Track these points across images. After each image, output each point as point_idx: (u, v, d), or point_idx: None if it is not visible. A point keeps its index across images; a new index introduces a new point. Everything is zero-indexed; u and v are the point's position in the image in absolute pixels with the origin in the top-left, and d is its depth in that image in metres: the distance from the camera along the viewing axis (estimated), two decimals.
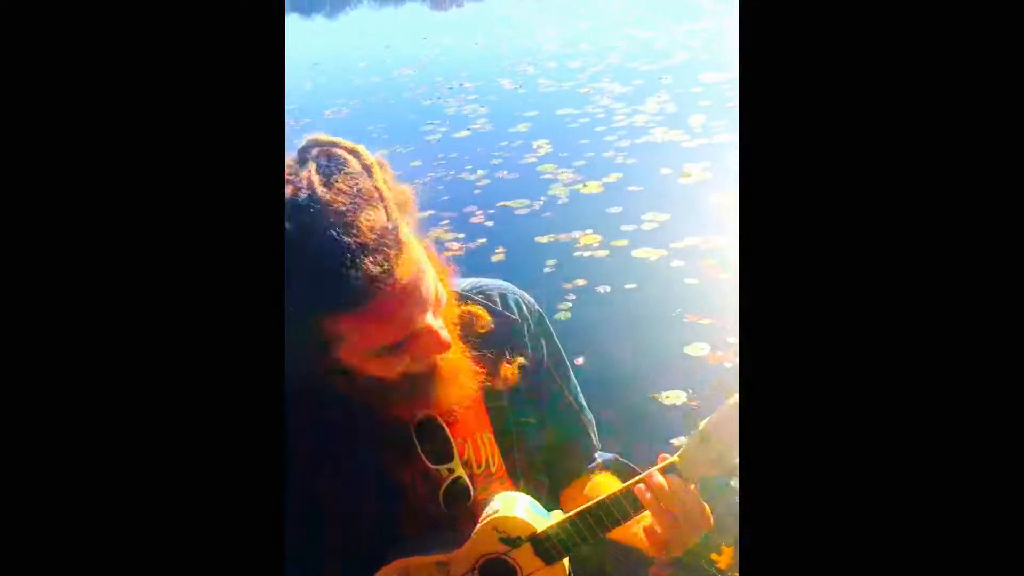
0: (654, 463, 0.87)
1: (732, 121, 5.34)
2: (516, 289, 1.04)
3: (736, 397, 0.81)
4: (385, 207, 0.74)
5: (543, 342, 1.03)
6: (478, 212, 4.67)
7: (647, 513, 0.87)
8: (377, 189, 0.75)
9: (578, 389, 1.09)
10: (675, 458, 0.86)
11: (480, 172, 5.34)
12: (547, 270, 3.86)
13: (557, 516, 0.92)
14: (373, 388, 0.83)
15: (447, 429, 0.93)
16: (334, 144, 0.77)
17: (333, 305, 0.73)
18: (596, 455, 1.09)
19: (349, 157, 0.76)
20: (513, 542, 0.90)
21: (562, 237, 4.18)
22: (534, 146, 5.72)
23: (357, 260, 0.70)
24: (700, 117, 5.71)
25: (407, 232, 0.77)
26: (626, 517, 0.87)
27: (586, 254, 4.00)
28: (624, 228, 4.17)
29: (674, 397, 2.81)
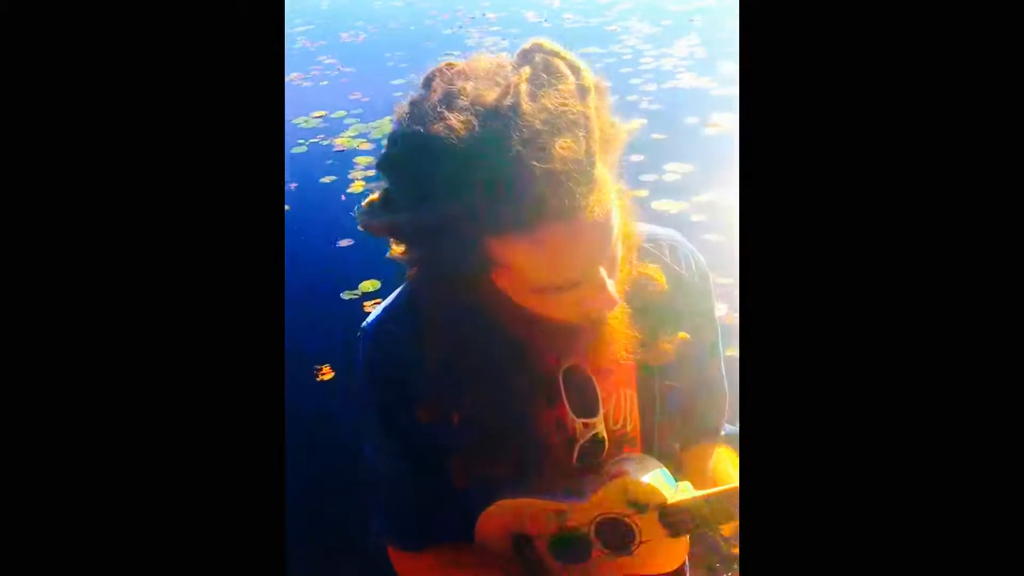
0: None
1: None
2: (687, 242, 0.97)
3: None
4: (587, 138, 0.66)
5: (702, 304, 0.96)
6: None
7: None
8: (586, 116, 0.67)
9: (723, 360, 1.03)
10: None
11: None
12: None
13: (687, 490, 0.88)
14: (529, 322, 0.77)
15: (596, 384, 0.88)
16: (556, 54, 0.70)
17: (505, 224, 0.66)
18: (723, 425, 1.06)
19: (567, 73, 0.68)
20: (641, 508, 0.87)
21: (631, 193, 4.06)
22: None
23: (538, 186, 0.64)
24: (731, 64, 5.48)
25: (604, 172, 0.69)
26: (708, 526, 0.84)
27: None
28: (644, 178, 4.04)
29: None
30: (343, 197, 4.21)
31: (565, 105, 0.66)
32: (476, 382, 0.83)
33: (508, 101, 0.65)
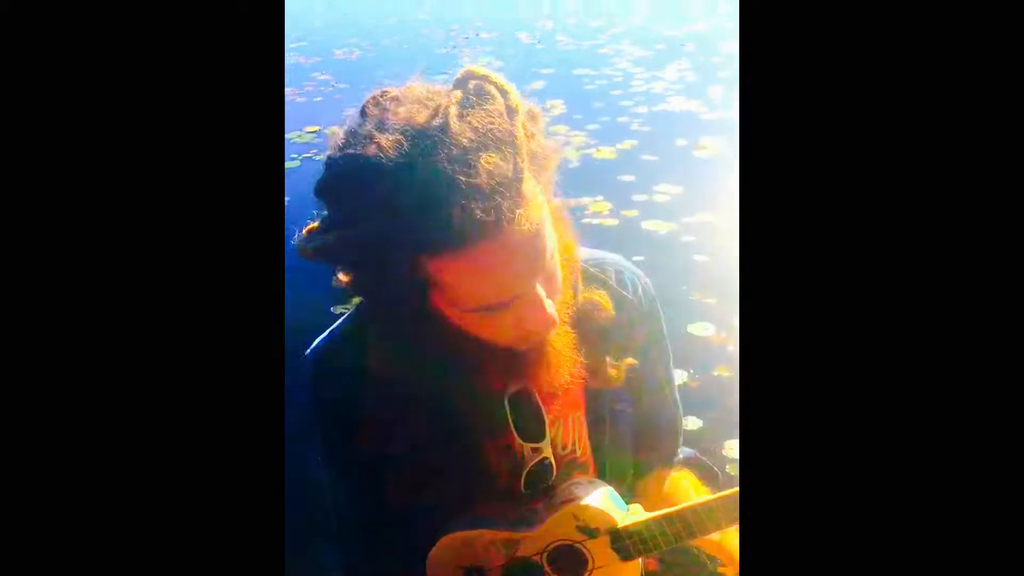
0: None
1: None
2: (633, 267, 0.98)
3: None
4: (514, 154, 0.67)
5: (651, 328, 0.96)
6: None
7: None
8: (512, 135, 0.68)
9: (675, 384, 1.04)
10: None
11: None
12: None
13: (637, 512, 0.88)
14: (475, 350, 0.77)
15: (543, 407, 0.88)
16: (487, 79, 0.72)
17: (433, 241, 0.67)
18: (679, 451, 1.06)
19: (496, 94, 0.70)
20: (591, 533, 0.86)
21: (571, 202, 4.06)
22: (548, 105, 5.57)
23: (464, 200, 0.65)
24: (720, 89, 5.55)
25: (534, 188, 0.70)
26: (719, 527, 0.83)
27: (595, 221, 3.89)
28: (636, 198, 4.07)
29: (675, 376, 2.74)
30: None
31: (492, 124, 0.67)
32: (418, 411, 0.81)
33: (437, 121, 0.67)
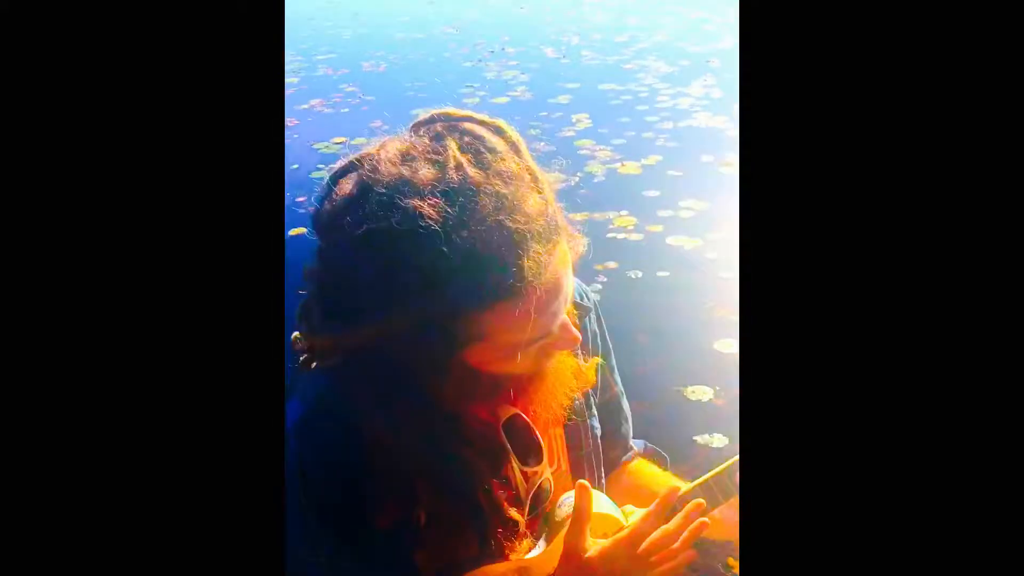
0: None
1: None
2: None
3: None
4: (544, 190, 0.69)
5: (599, 332, 1.00)
6: None
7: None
8: (530, 170, 0.69)
9: (618, 376, 1.06)
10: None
11: None
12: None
13: (634, 512, 0.88)
14: (463, 387, 0.75)
15: (535, 428, 0.87)
16: (470, 119, 0.71)
17: (492, 297, 0.66)
18: (632, 443, 1.08)
19: (490, 135, 0.70)
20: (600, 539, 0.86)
21: (596, 216, 4.08)
22: (573, 119, 5.59)
23: (527, 247, 0.65)
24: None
25: (563, 218, 0.72)
26: (716, 504, 0.84)
27: (620, 236, 3.89)
28: (661, 213, 4.06)
29: (700, 393, 2.72)
30: None
31: (506, 165, 0.67)
32: (430, 473, 0.78)
33: (454, 177, 0.65)
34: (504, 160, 0.68)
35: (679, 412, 2.64)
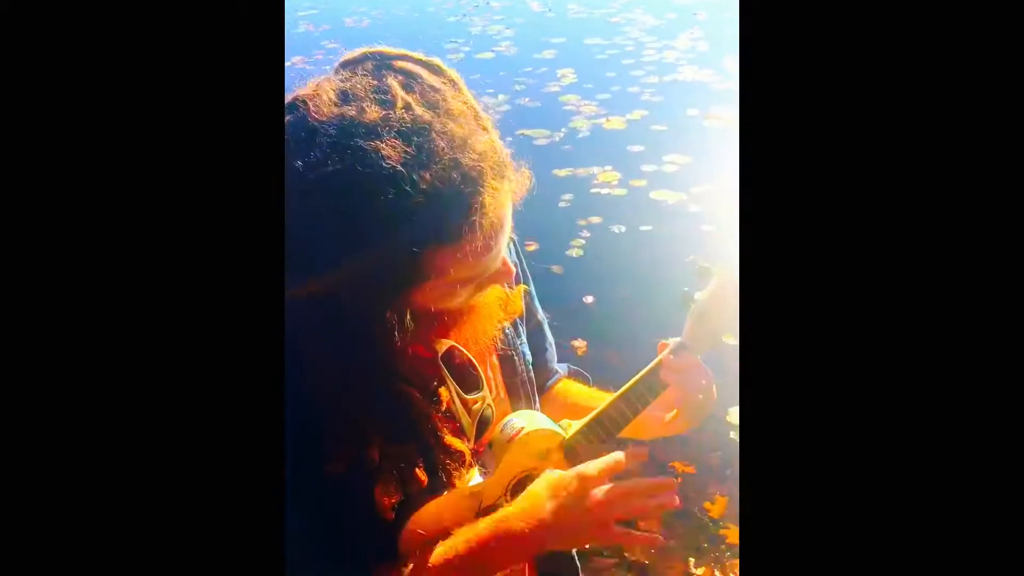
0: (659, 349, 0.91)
1: None
2: None
3: (723, 275, 0.88)
4: (484, 125, 0.70)
5: (518, 262, 1.00)
6: None
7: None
8: (474, 108, 0.70)
9: (537, 302, 1.08)
10: (681, 339, 0.90)
11: (501, 97, 5.19)
12: (562, 205, 3.79)
13: (570, 425, 0.92)
14: (396, 326, 0.75)
15: (472, 357, 0.89)
16: (405, 57, 0.70)
17: (453, 235, 0.67)
18: (556, 367, 1.11)
19: (428, 74, 0.69)
20: (544, 455, 0.90)
21: (580, 172, 4.09)
22: (559, 74, 5.54)
23: (484, 184, 0.66)
24: (733, 59, 5.50)
25: (507, 153, 0.72)
26: (647, 403, 0.89)
27: (603, 191, 3.91)
28: (645, 168, 4.07)
29: None
30: None
31: (452, 104, 0.67)
32: (376, 413, 0.78)
33: (405, 117, 0.64)
34: (448, 99, 0.68)
35: None
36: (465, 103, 0.69)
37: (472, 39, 6.60)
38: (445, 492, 0.86)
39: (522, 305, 0.94)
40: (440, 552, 0.80)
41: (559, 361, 1.12)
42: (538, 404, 1.01)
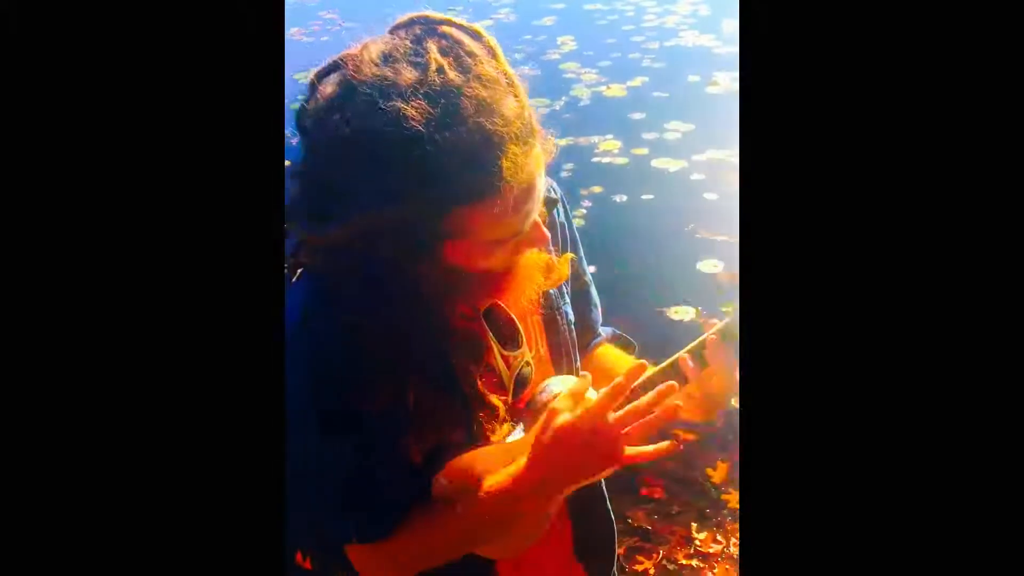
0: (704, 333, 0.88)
1: None
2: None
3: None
4: (521, 95, 0.72)
5: (566, 223, 1.03)
6: None
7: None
8: (508, 75, 0.72)
9: (587, 268, 1.09)
10: (726, 322, 0.85)
11: None
12: (564, 174, 3.76)
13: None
14: (445, 282, 0.80)
15: (513, 314, 0.92)
16: (449, 22, 0.74)
17: (471, 193, 0.70)
18: (600, 329, 1.12)
19: (469, 39, 0.72)
20: None
21: (581, 141, 4.06)
22: (558, 42, 5.48)
23: (504, 148, 0.69)
24: (734, 22, 5.42)
25: (537, 121, 0.75)
26: (686, 380, 0.86)
27: (605, 160, 3.89)
28: (646, 136, 4.04)
29: (682, 312, 2.79)
30: None
31: (486, 70, 0.70)
32: (417, 363, 0.82)
33: (435, 78, 0.68)
34: (482, 64, 0.71)
35: (663, 332, 2.70)
36: (499, 69, 0.72)
37: (471, 5, 6.50)
38: (479, 445, 0.88)
39: (567, 272, 0.95)
40: (466, 502, 0.82)
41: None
42: (578, 363, 1.02)
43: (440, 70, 0.69)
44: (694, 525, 2.10)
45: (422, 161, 0.67)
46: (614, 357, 1.08)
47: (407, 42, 0.72)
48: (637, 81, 4.72)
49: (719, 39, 5.22)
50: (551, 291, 0.95)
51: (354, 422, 0.81)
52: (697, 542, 2.06)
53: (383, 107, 0.68)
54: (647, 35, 5.45)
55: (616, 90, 4.65)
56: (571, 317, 1.01)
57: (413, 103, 0.67)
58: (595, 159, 3.90)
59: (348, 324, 0.79)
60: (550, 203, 0.93)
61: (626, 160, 3.87)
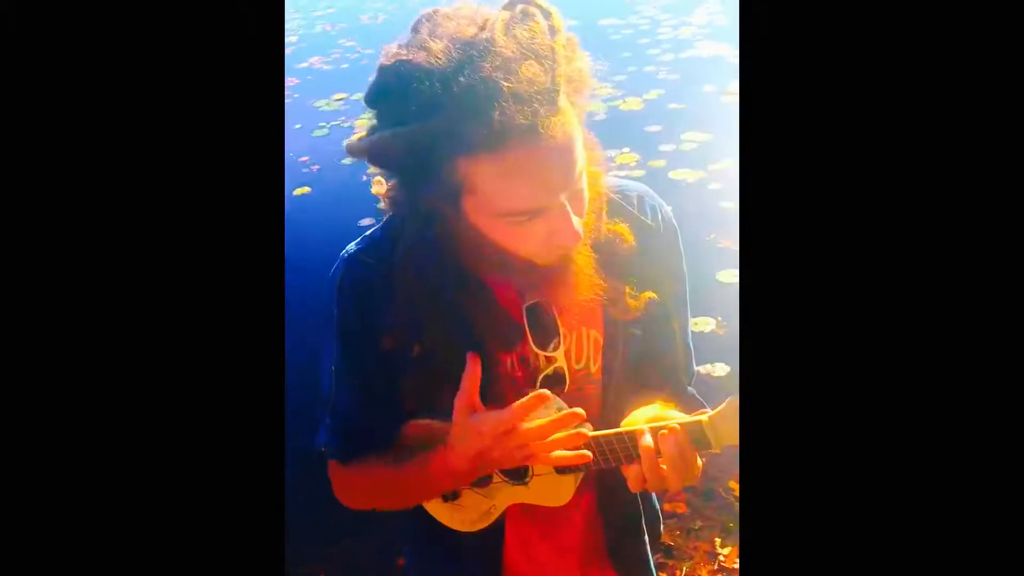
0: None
1: None
2: (656, 197, 1.00)
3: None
4: (553, 68, 0.73)
5: (669, 262, 0.98)
6: None
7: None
8: (553, 50, 0.74)
9: (688, 322, 1.03)
10: (703, 418, 0.83)
11: None
12: None
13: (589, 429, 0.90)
14: (498, 261, 0.83)
15: (557, 318, 0.92)
16: (534, 2, 0.77)
17: (473, 142, 0.73)
18: (688, 389, 1.04)
19: (539, 13, 0.75)
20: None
21: (598, 155, 4.05)
22: None
23: (504, 104, 0.71)
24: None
25: (567, 104, 0.76)
26: (619, 462, 0.87)
27: (621, 174, 3.87)
28: (663, 148, 4.03)
29: (703, 324, 2.76)
30: (364, 177, 4.27)
31: (535, 39, 0.73)
32: (439, 317, 0.87)
33: (484, 35, 0.73)
34: (532, 33, 0.73)
35: None
36: (547, 44, 0.74)
37: None
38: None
39: (637, 308, 0.91)
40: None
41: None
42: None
43: (486, 27, 0.73)
44: (718, 540, 2.07)
45: (432, 99, 0.71)
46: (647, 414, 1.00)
47: (484, 8, 0.78)
48: (653, 94, 4.72)
49: (734, 48, 5.20)
50: (635, 328, 0.92)
51: (363, 351, 0.90)
52: (721, 557, 2.02)
53: (414, 44, 0.74)
54: (662, 47, 5.46)
55: (632, 103, 4.65)
56: (636, 351, 0.95)
57: (439, 44, 0.73)
58: (612, 172, 3.87)
59: (391, 264, 0.87)
60: (619, 210, 0.92)
61: (643, 172, 3.86)
